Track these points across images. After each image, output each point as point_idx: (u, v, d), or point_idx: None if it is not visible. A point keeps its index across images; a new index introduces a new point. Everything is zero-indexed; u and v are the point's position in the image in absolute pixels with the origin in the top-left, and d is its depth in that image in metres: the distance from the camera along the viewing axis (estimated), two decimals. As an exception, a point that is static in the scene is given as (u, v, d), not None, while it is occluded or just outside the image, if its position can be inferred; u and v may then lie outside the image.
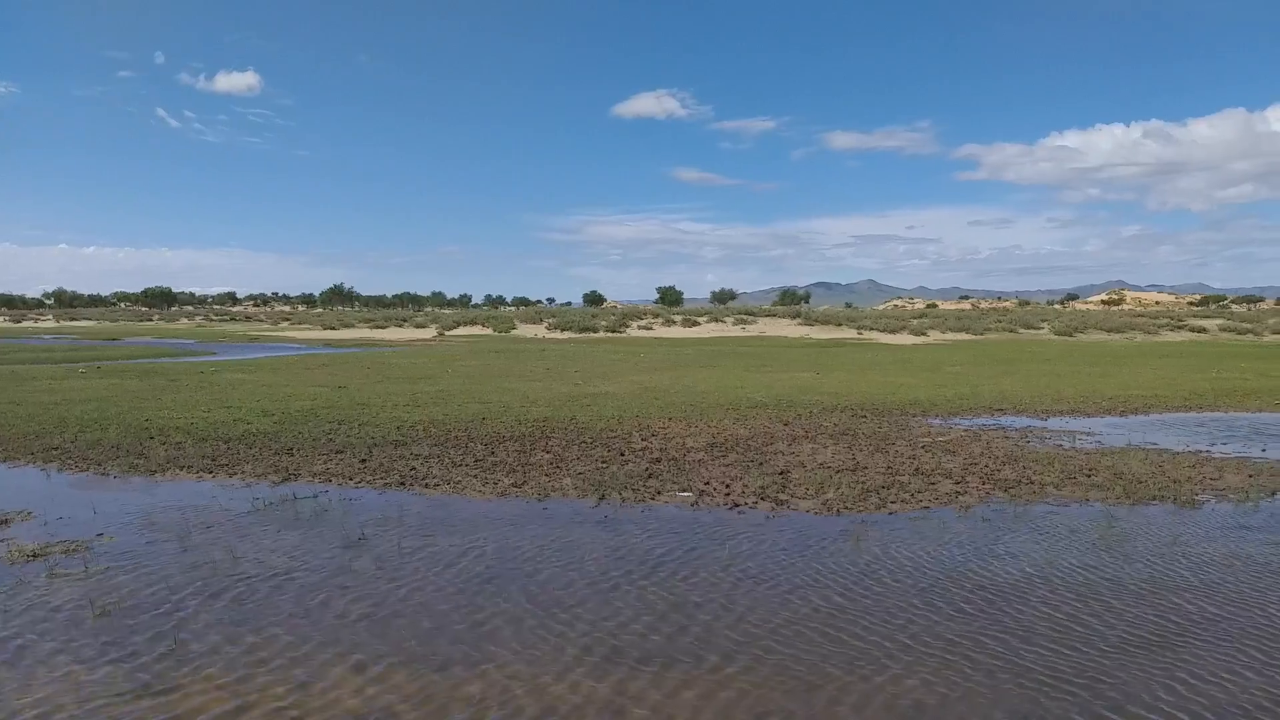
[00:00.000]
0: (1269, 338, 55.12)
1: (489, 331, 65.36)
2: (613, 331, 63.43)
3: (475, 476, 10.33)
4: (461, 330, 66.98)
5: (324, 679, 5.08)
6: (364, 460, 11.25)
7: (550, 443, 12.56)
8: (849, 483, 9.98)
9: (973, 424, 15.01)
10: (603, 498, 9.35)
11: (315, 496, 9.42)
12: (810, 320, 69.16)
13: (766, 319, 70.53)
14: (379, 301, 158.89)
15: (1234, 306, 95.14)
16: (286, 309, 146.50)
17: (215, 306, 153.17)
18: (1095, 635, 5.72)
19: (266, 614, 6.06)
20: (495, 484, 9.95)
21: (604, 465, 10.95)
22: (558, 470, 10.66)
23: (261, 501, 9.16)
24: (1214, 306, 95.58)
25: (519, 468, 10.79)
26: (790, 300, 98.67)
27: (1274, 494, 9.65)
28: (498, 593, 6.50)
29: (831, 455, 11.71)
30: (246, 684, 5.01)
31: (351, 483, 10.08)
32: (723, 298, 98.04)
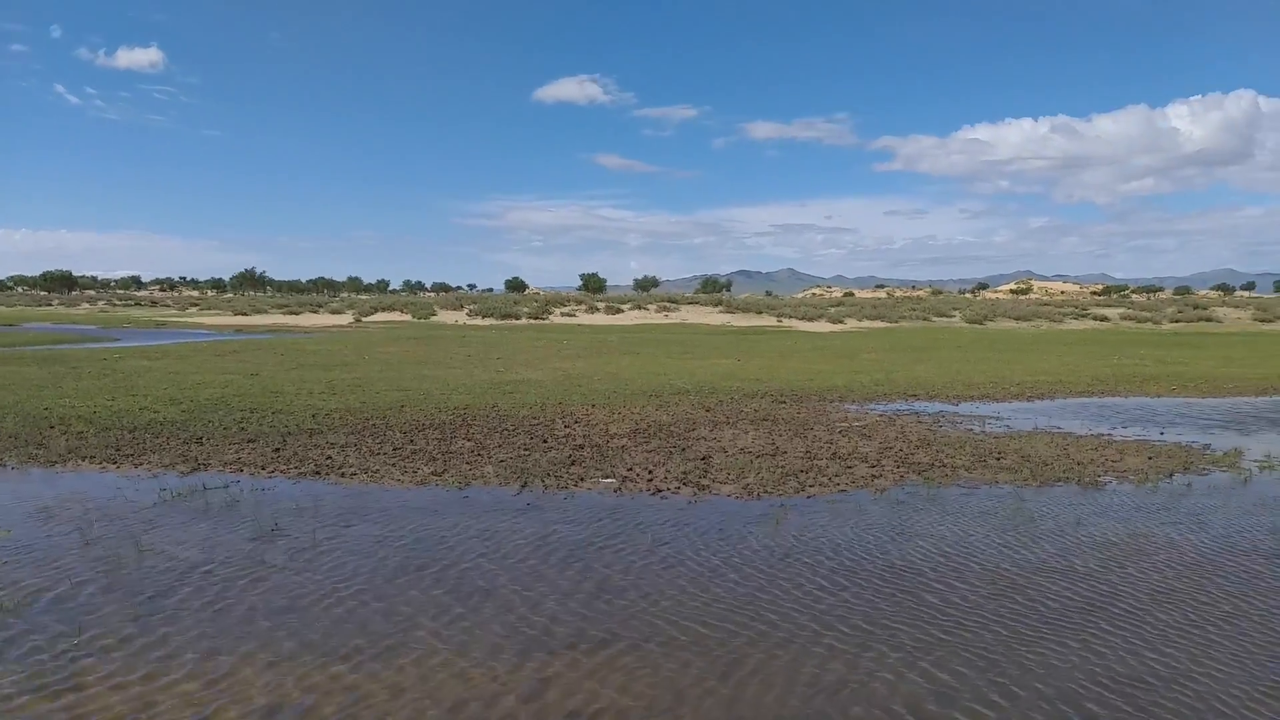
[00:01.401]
0: (1167, 326, 57.79)
1: (408, 318, 64.27)
2: (535, 318, 63.03)
3: (394, 465, 10.15)
4: (379, 316, 65.69)
5: (235, 674, 4.93)
6: (277, 449, 10.95)
7: (471, 430, 12.42)
8: (769, 467, 10.12)
9: (888, 409, 15.36)
10: (525, 485, 9.29)
11: (226, 487, 9.13)
12: (731, 308, 69.86)
13: (689, 306, 70.95)
14: (293, 287, 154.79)
15: (1134, 296, 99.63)
16: (195, 294, 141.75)
17: (119, 291, 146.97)
18: (1002, 613, 5.92)
19: (175, 608, 5.85)
20: (414, 472, 9.80)
21: (526, 452, 10.88)
22: (479, 458, 10.55)
23: (169, 492, 8.84)
24: (1116, 296, 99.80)
25: (439, 456, 10.64)
26: (712, 288, 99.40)
27: (1171, 475, 10.11)
28: (417, 582, 6.40)
29: (752, 440, 11.86)
30: (153, 681, 4.83)
31: (264, 472, 9.80)
32: (646, 285, 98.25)
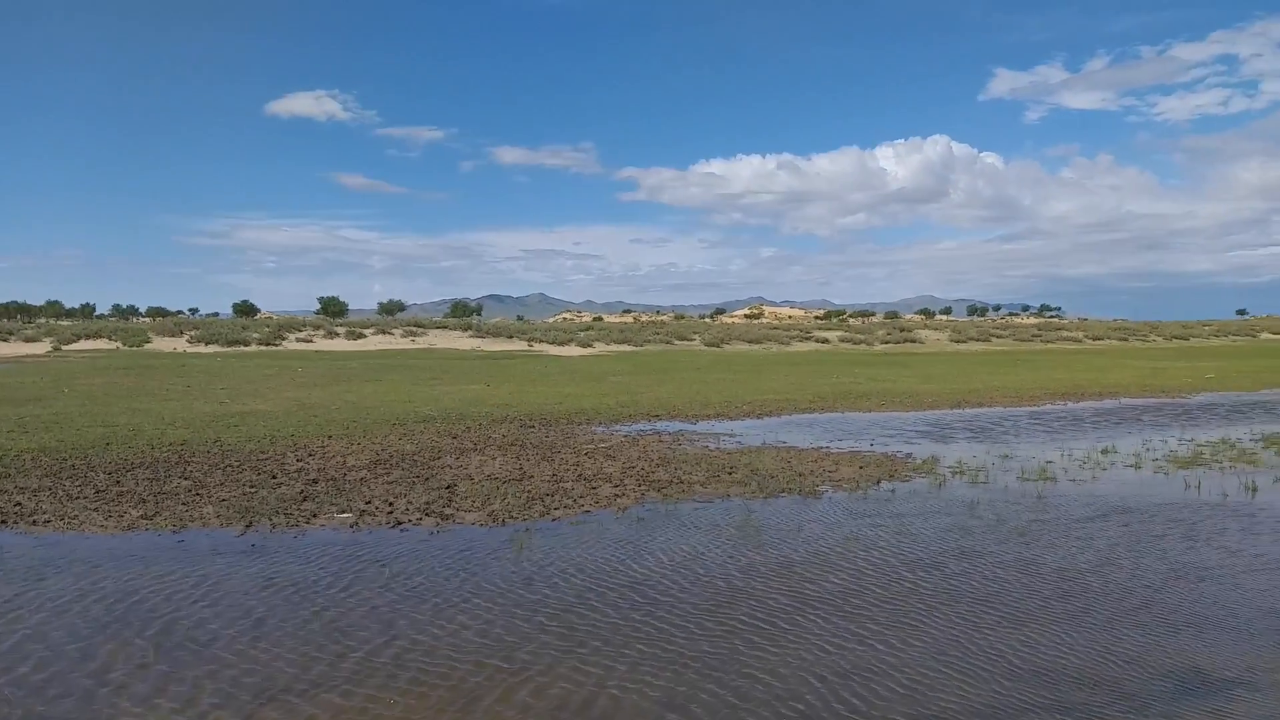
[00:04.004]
0: (878, 347, 64.01)
1: (118, 345, 58.14)
2: (267, 344, 59.15)
3: (96, 509, 9.10)
4: (84, 344, 58.92)
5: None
6: (-52, 499, 9.49)
7: (189, 468, 11.40)
8: (515, 492, 10.09)
9: (632, 430, 15.83)
10: (250, 525, 8.64)
11: (-123, 546, 7.79)
12: (482, 332, 69.29)
13: (437, 331, 69.56)
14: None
15: (851, 320, 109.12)
16: None
17: None
18: (732, 619, 6.24)
19: None
20: (121, 517, 8.84)
21: (253, 490, 10.15)
22: (197, 498, 9.70)
23: None
24: (836, 320, 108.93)
25: (150, 497, 9.67)
26: (462, 312, 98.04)
27: (879, 482, 11.14)
28: (120, 639, 5.76)
29: (499, 466, 11.78)
30: None
31: (-70, 526, 8.46)
32: (391, 309, 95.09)
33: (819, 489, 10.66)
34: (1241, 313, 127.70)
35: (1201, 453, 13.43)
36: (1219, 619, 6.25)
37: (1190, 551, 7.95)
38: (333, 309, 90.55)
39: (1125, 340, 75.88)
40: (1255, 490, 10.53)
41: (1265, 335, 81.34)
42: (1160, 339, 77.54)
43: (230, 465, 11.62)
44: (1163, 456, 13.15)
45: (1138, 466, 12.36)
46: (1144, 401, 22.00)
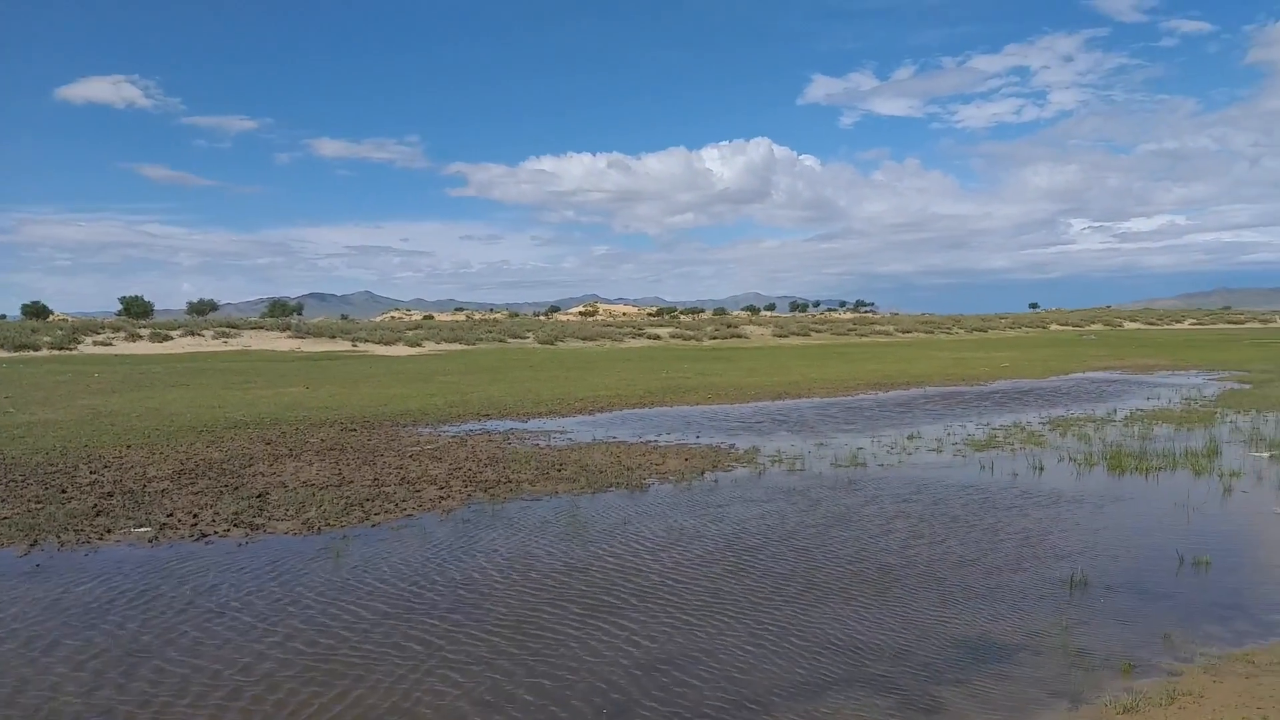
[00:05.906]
0: (707, 342, 65.66)
1: (-119, 352, 51.86)
2: (60, 348, 54.26)
3: None
4: None
5: None
6: None
7: (-37, 485, 10.31)
8: (332, 499, 9.70)
9: (461, 430, 15.56)
10: (35, 544, 7.92)
11: None
12: (302, 332, 66.17)
13: (252, 332, 65.86)
14: None
15: (682, 317, 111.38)
16: None
17: None
18: (552, 613, 6.26)
19: None
20: (-125, 543, 7.88)
21: (39, 505, 9.29)
22: (-28, 517, 8.78)
23: None
24: (667, 317, 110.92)
25: (-87, 519, 8.68)
26: (280, 312, 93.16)
27: (703, 473, 11.43)
28: None
29: (316, 472, 11.30)
30: None
31: None
32: (202, 309, 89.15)
33: (646, 482, 10.83)
34: (1034, 306, 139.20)
35: (995, 436, 14.56)
36: (1005, 591, 6.80)
37: (981, 529, 8.61)
38: (136, 309, 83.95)
39: (931, 333, 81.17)
40: (1041, 470, 11.52)
41: (1054, 326, 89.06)
42: (962, 331, 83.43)
43: (13, 480, 10.59)
44: (962, 440, 14.17)
45: (940, 450, 13.25)
46: (947, 389, 23.61)
